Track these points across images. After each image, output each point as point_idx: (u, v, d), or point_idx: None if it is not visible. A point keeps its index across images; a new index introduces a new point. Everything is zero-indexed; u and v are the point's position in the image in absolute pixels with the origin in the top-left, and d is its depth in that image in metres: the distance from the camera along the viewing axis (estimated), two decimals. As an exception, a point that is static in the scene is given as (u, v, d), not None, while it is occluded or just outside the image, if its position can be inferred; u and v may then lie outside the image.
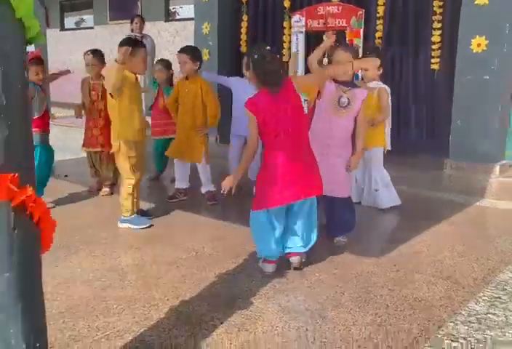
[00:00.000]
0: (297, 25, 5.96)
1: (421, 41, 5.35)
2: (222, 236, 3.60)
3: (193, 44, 6.89)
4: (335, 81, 3.31)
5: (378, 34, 5.55)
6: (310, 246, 3.01)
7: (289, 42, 6.24)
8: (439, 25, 5.16)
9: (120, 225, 3.80)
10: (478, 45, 4.58)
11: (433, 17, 5.19)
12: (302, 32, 5.95)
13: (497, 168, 4.66)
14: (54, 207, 4.18)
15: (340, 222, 3.39)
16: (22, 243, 1.34)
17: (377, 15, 5.52)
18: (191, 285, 2.78)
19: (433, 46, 5.22)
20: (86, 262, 3.09)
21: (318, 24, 5.80)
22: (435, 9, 5.16)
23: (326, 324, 2.36)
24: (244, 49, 6.71)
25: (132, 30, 7.82)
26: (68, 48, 12.70)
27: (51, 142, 4.42)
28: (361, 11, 5.48)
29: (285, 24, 6.24)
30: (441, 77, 5.26)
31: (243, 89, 4.49)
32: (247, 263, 3.10)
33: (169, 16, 11.31)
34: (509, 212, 4.24)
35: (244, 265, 3.08)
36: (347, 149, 3.32)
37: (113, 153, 4.22)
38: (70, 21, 13.62)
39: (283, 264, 2.99)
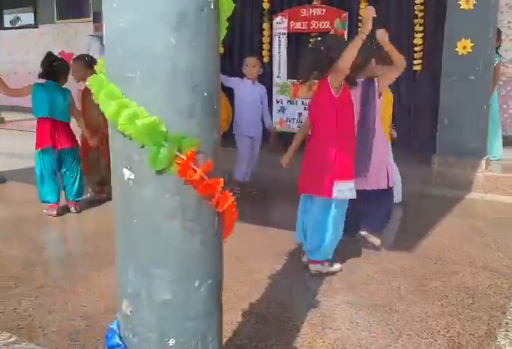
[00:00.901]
0: (280, 26, 6.02)
1: (403, 43, 5.57)
2: (254, 239, 3.59)
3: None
4: None
5: (361, 36, 5.71)
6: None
7: (269, 43, 6.30)
8: (421, 28, 5.42)
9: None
10: (464, 47, 4.85)
11: (415, 20, 5.44)
12: (284, 34, 6.02)
13: (483, 163, 4.97)
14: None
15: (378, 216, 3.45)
16: (220, 247, 1.31)
17: (359, 18, 5.69)
18: (249, 287, 2.76)
19: (415, 48, 5.47)
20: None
21: (302, 26, 5.90)
22: (416, 12, 5.42)
23: (403, 317, 2.43)
24: (220, 49, 6.66)
25: (96, 30, 7.58)
26: (8, 48, 12.02)
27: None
28: (345, 14, 5.63)
29: (264, 25, 6.28)
30: (424, 77, 5.53)
31: (247, 89, 4.51)
32: (290, 263, 3.13)
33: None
34: (500, 204, 4.53)
35: (288, 265, 3.11)
36: None
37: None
38: (9, 19, 12.86)
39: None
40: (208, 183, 1.27)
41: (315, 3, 5.89)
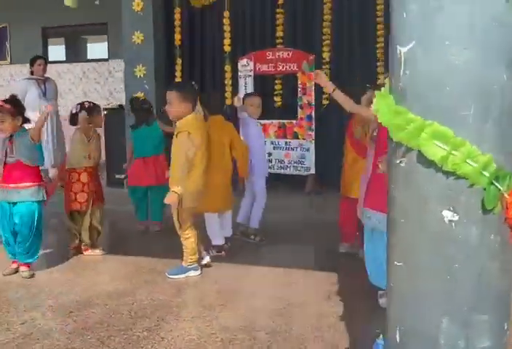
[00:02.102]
0: (245, 69, 6.11)
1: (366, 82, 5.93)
2: (292, 281, 3.52)
3: (123, 88, 6.59)
4: None
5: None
6: None
7: (231, 85, 6.34)
8: (384, 70, 5.81)
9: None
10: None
11: (377, 63, 5.84)
12: (250, 76, 6.10)
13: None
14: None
15: None
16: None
17: (323, 61, 5.98)
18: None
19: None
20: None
21: (268, 68, 6.04)
22: (378, 55, 5.82)
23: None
24: None
25: (32, 73, 7.06)
26: None
27: None
28: (312, 57, 5.88)
29: (226, 68, 6.33)
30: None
31: (255, 128, 4.47)
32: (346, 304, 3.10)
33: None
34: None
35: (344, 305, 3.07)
36: None
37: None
38: None
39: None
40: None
41: (279, 46, 6.08)
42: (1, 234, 3.68)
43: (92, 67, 9.26)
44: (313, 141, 5.95)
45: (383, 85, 3.85)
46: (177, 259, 3.68)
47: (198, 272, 3.66)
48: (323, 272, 3.70)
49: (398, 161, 1.29)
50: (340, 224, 4.06)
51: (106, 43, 9.15)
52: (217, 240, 4.08)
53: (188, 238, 3.60)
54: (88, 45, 9.97)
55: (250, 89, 6.11)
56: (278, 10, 6.07)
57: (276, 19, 6.10)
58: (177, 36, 6.47)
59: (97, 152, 4.13)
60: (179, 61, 6.52)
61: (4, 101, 3.49)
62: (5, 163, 3.54)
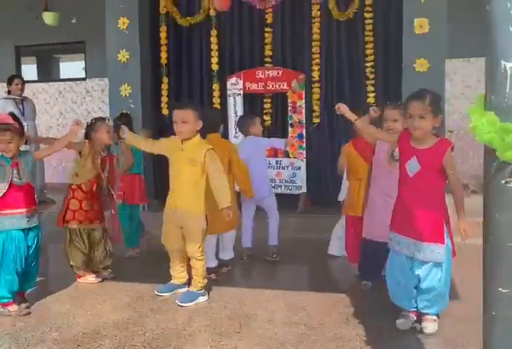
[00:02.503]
0: (234, 87, 6.05)
1: (357, 103, 5.95)
2: (305, 304, 3.41)
3: (107, 107, 6.43)
4: None
5: (315, 96, 5.99)
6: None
7: (220, 104, 6.27)
8: (372, 89, 5.85)
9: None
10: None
11: (366, 82, 5.87)
12: (240, 94, 6.04)
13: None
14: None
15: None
16: None
17: (313, 79, 5.98)
18: None
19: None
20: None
21: (258, 87, 5.99)
22: (367, 74, 5.86)
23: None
24: (165, 111, 6.47)
25: (10, 92, 6.82)
26: None
27: None
28: (302, 75, 5.87)
29: (214, 86, 6.26)
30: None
31: (255, 147, 4.38)
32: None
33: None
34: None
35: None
36: None
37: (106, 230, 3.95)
38: None
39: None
40: None
41: (268, 65, 6.06)
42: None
43: (69, 86, 9.03)
44: (305, 159, 5.91)
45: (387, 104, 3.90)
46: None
47: (206, 297, 3.53)
48: (334, 293, 3.62)
49: (503, 182, 1.22)
50: (351, 246, 3.95)
51: (83, 62, 8.96)
52: (210, 262, 3.93)
53: (201, 260, 3.51)
54: (64, 64, 9.74)
55: (239, 108, 6.05)
56: (266, 29, 6.06)
57: (264, 38, 6.08)
58: (164, 55, 6.38)
59: (87, 170, 3.90)
60: (165, 80, 6.42)
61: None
62: (10, 186, 3.32)
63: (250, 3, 5.91)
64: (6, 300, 3.28)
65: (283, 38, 6.09)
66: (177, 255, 3.64)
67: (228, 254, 4.22)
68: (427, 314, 2.95)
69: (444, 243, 2.78)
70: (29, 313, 3.28)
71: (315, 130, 6.03)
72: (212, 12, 6.17)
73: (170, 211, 3.53)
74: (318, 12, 5.89)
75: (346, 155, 3.94)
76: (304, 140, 5.91)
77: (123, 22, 6.09)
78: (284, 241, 4.78)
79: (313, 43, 5.95)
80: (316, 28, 5.92)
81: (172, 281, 3.68)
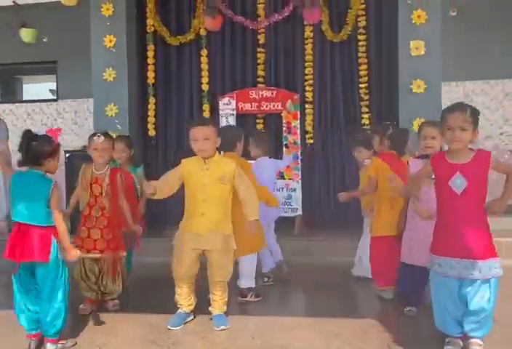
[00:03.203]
0: (227, 107, 5.89)
1: (351, 124, 5.92)
2: (337, 331, 3.22)
3: (91, 127, 6.14)
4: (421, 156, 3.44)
5: (309, 117, 5.92)
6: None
7: (211, 125, 6.08)
8: (367, 110, 5.84)
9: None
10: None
11: (361, 103, 5.86)
12: (233, 114, 5.89)
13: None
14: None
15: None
16: None
17: (306, 100, 5.92)
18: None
19: (364, 128, 5.84)
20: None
21: (251, 107, 5.86)
22: (361, 95, 5.85)
23: None
24: (152, 132, 6.22)
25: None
26: None
27: None
28: (297, 96, 5.80)
29: (204, 107, 6.09)
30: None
31: (268, 167, 4.22)
32: None
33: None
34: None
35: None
36: None
37: (117, 260, 3.57)
38: None
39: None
40: None
41: (260, 85, 5.96)
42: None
43: (39, 108, 8.60)
44: (300, 181, 5.78)
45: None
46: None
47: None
48: (365, 318, 3.43)
49: None
50: (380, 267, 3.80)
51: (55, 83, 8.58)
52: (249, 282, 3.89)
53: (227, 283, 3.38)
54: (31, 85, 9.31)
55: (232, 129, 5.88)
56: (259, 49, 5.98)
57: (257, 58, 5.99)
58: (151, 74, 6.17)
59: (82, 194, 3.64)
60: (152, 100, 6.20)
61: None
62: None
63: (242, 23, 5.86)
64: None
65: (276, 58, 6.03)
66: (188, 282, 3.40)
67: (248, 282, 3.95)
68: (473, 337, 2.82)
69: (497, 256, 2.69)
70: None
71: (309, 151, 5.93)
72: (203, 32, 6.05)
73: (193, 236, 3.30)
74: (311, 33, 5.88)
75: (375, 168, 3.79)
76: (299, 161, 5.80)
77: (109, 40, 5.87)
78: (294, 266, 4.61)
79: (306, 64, 5.91)
80: (309, 49, 5.89)
81: (181, 311, 3.41)
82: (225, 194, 3.32)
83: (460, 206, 2.69)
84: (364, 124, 5.83)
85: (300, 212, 5.80)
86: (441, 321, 2.89)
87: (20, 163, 2.95)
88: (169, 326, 3.28)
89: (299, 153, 5.80)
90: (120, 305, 3.73)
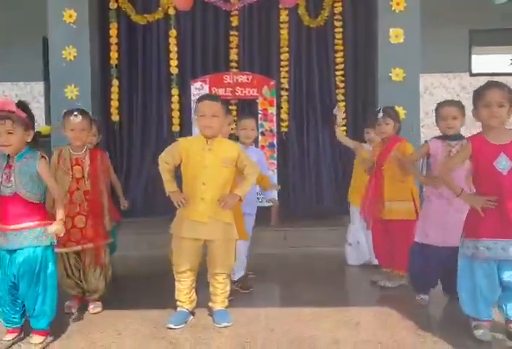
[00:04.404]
0: (199, 92, 5.54)
1: (326, 111, 5.80)
2: (356, 320, 3.07)
3: (49, 110, 5.60)
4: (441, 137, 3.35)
5: (285, 105, 5.74)
6: None
7: (179, 110, 5.75)
8: (342, 98, 5.75)
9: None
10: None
11: (337, 90, 5.76)
12: (205, 100, 5.56)
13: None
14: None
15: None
16: None
17: (282, 86, 5.73)
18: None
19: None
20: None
21: (225, 92, 5.58)
22: (337, 83, 5.75)
23: None
24: (115, 117, 5.78)
25: None
26: None
27: None
28: (273, 82, 5.59)
29: (173, 91, 5.73)
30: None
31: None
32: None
33: None
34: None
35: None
36: None
37: (100, 253, 3.21)
38: None
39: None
40: None
41: (233, 70, 5.69)
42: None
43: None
44: (276, 170, 5.58)
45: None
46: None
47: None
48: (374, 307, 3.31)
49: None
50: (386, 252, 3.71)
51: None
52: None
53: (229, 276, 3.20)
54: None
55: (205, 115, 5.56)
56: (232, 32, 5.70)
57: (229, 41, 5.71)
58: (114, 55, 5.71)
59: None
60: (115, 82, 5.74)
61: (17, 105, 2.55)
62: None
63: (215, 3, 5.57)
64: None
65: (250, 42, 5.77)
66: (189, 276, 3.09)
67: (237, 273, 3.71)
68: None
69: None
70: None
71: (285, 139, 5.75)
72: (172, 11, 5.67)
73: (192, 224, 2.99)
74: (287, 17, 5.68)
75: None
76: (275, 150, 5.60)
77: (69, 15, 5.35)
78: (277, 257, 4.41)
79: (282, 50, 5.71)
80: (284, 34, 5.69)
81: (181, 309, 3.09)
82: (228, 178, 3.08)
83: (506, 184, 2.61)
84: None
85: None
86: (471, 306, 2.79)
87: None
88: (170, 325, 2.96)
89: (275, 142, 5.60)
90: (116, 300, 3.37)
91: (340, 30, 5.68)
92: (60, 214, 2.61)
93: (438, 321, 3.19)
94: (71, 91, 5.36)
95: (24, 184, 2.57)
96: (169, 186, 2.99)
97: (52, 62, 5.43)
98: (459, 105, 3.25)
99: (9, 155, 2.60)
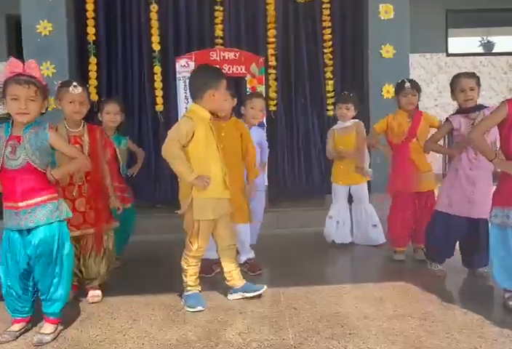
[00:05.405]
0: (185, 70, 5.31)
1: (316, 91, 5.68)
2: (382, 296, 2.98)
3: None
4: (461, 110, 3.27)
5: (273, 83, 5.57)
6: None
7: (162, 89, 5.48)
8: (331, 76, 5.63)
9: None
10: (388, 92, 5.24)
11: (325, 69, 5.63)
12: (191, 77, 5.32)
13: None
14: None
15: (486, 248, 3.27)
16: None
17: (269, 63, 5.56)
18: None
19: (328, 94, 5.63)
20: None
21: (212, 69, 5.34)
22: (326, 61, 5.62)
23: None
24: (93, 96, 5.45)
25: None
26: None
27: None
28: (262, 59, 5.41)
29: (156, 69, 5.45)
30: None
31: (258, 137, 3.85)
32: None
33: None
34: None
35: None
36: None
37: (101, 238, 3.02)
38: None
39: None
40: None
41: (218, 47, 5.47)
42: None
43: None
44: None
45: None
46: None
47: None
48: (391, 282, 3.23)
49: None
50: (394, 227, 3.65)
51: None
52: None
53: None
54: None
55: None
56: (217, 7, 5.46)
57: (214, 17, 5.48)
58: (91, 30, 5.37)
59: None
60: (93, 60, 5.41)
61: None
62: (2, 171, 2.32)
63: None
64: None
65: (236, 18, 5.56)
66: (201, 258, 2.95)
67: (245, 255, 3.56)
68: None
69: None
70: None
71: (273, 118, 5.59)
72: (153, -16, 5.38)
73: (214, 202, 2.84)
74: (274, -8, 5.49)
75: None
76: (264, 129, 5.43)
77: (44, -12, 4.98)
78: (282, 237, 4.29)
79: (269, 26, 5.52)
80: (271, 9, 5.49)
81: (195, 291, 2.93)
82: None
83: None
84: (328, 91, 5.62)
85: (265, 183, 5.45)
86: (505, 276, 2.73)
87: None
88: (199, 308, 2.79)
89: (264, 121, 5.42)
90: (115, 287, 3.14)
91: (328, 5, 5.53)
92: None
93: (459, 292, 3.14)
94: (47, 69, 5.01)
95: (34, 153, 2.33)
96: (192, 173, 2.73)
97: (25, 36, 5.05)
98: (475, 75, 3.19)
99: (12, 125, 2.35)
